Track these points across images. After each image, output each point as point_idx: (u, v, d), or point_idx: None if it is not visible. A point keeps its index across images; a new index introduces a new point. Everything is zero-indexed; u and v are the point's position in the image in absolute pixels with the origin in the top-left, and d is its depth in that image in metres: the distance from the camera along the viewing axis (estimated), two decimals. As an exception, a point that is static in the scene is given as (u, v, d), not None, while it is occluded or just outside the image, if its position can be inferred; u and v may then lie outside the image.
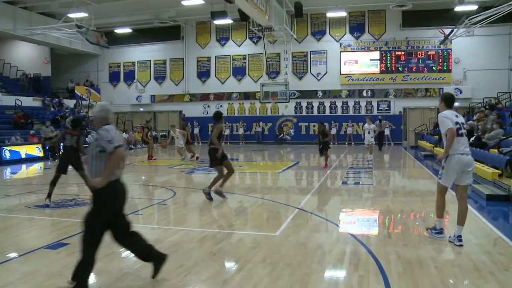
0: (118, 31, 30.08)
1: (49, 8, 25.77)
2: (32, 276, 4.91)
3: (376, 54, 27.77)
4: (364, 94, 28.21)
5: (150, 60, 32.40)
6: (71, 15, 24.31)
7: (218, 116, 9.19)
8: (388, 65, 27.60)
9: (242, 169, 15.39)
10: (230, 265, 5.38)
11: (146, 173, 15.25)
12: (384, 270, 5.00)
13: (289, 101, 27.54)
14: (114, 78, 33.32)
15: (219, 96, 30.76)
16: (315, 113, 29.22)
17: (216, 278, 4.86)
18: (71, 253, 5.69)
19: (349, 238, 6.35)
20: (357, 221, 7.76)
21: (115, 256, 5.61)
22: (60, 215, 8.07)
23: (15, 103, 24.64)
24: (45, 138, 14.83)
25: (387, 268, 5.07)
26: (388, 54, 27.57)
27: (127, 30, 30.00)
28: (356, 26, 28.17)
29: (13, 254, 5.75)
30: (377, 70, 27.76)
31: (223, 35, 30.59)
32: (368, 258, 5.45)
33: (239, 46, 30.41)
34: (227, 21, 26.15)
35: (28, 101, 26.12)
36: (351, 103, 28.64)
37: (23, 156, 19.50)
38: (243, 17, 22.17)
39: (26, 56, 31.89)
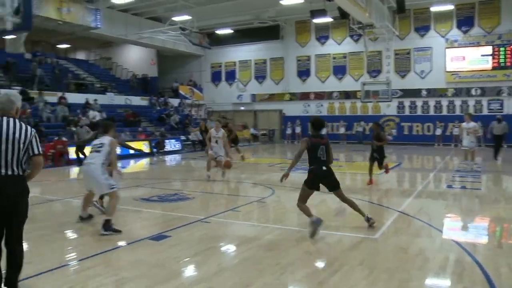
0: (220, 32, 31.04)
1: (156, 13, 27.31)
2: (137, 265, 5.23)
3: (487, 49, 25.89)
4: (473, 92, 26.48)
5: (250, 60, 33.04)
6: (176, 19, 25.69)
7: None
8: (502, 61, 25.62)
9: (342, 169, 15.16)
10: (326, 266, 5.34)
11: (245, 171, 15.58)
12: (494, 283, 4.64)
13: (391, 100, 26.59)
14: (216, 77, 34.45)
15: (319, 95, 30.58)
16: (419, 112, 27.99)
17: (312, 278, 4.85)
18: (173, 245, 6.00)
19: (454, 246, 6.01)
20: (463, 228, 7.32)
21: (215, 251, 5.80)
22: (163, 209, 8.52)
23: (125, 102, 26.58)
24: (80, 140, 15.65)
25: (497, 281, 4.70)
26: (503, 49, 25.60)
27: (228, 31, 30.85)
28: (464, 19, 26.49)
29: (121, 243, 6.18)
30: (489, 66, 25.87)
31: (323, 34, 30.34)
32: (474, 268, 5.11)
33: (339, 44, 29.99)
34: (327, 19, 25.85)
35: (137, 100, 27.94)
36: (458, 102, 27.02)
37: (131, 151, 20.83)
38: (343, 14, 21.81)
39: (135, 59, 34.13)
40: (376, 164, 11.80)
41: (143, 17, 27.97)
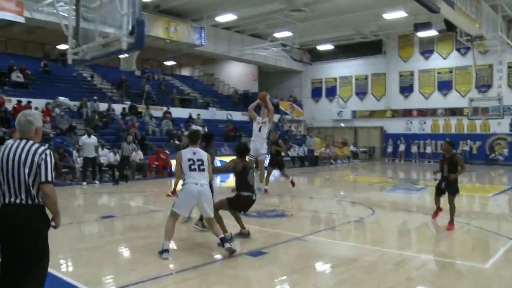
0: (320, 47, 31.03)
1: (257, 30, 27.97)
2: (233, 280, 5.30)
3: None
4: None
5: (351, 76, 32.60)
6: (277, 35, 26.14)
7: None
8: None
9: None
10: (430, 294, 5.03)
11: (345, 189, 15.32)
12: None
13: (502, 118, 24.73)
14: (316, 93, 34.39)
15: (422, 112, 29.35)
16: (536, 131, 25.83)
17: (415, 306, 4.58)
18: (269, 262, 6.00)
19: None
20: None
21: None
22: (261, 225, 8.57)
23: (227, 117, 27.42)
24: (123, 156, 15.88)
25: None
26: None
27: (329, 46, 30.74)
28: None
29: (219, 257, 6.28)
30: None
31: (427, 48, 29.18)
32: None
33: (444, 59, 28.63)
34: (432, 32, 24.83)
35: (238, 116, 28.66)
36: None
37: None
38: (450, 27, 20.80)
39: (237, 75, 35.14)
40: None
41: (245, 34, 28.79)
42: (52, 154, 3.55)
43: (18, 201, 3.42)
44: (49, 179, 3.44)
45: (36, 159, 3.43)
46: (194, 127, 23.10)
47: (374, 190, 14.49)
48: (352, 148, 30.51)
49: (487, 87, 26.97)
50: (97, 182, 15.57)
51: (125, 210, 10.66)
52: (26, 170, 3.41)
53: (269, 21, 25.37)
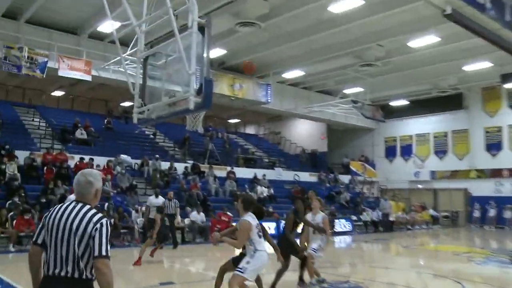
0: (394, 103, 30.59)
1: (326, 86, 28.11)
2: None
3: None
4: None
5: (429, 133, 31.69)
6: (347, 91, 26.10)
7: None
8: None
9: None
10: None
11: (425, 259, 14.48)
12: None
13: None
14: (390, 152, 33.59)
15: (514, 172, 27.80)
16: None
17: None
18: None
19: None
20: None
21: None
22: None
23: (294, 178, 27.24)
24: (166, 214, 15.35)
25: None
26: None
27: (403, 102, 30.26)
28: None
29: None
30: None
31: (516, 100, 28.01)
32: None
33: (539, 112, 27.32)
34: (522, 83, 23.92)
35: (305, 176, 28.43)
36: None
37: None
38: (543, 77, 20.02)
39: (304, 133, 35.24)
40: None
41: (312, 91, 28.98)
42: (109, 223, 3.26)
43: (63, 273, 3.12)
44: (104, 253, 3.10)
45: (89, 229, 3.12)
46: (259, 188, 23.13)
47: (461, 262, 13.52)
48: (432, 212, 29.14)
49: None
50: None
51: (185, 276, 10.53)
52: (77, 240, 3.12)
53: (338, 77, 25.42)
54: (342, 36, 19.62)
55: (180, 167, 22.76)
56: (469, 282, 9.78)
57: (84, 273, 3.13)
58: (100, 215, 3.23)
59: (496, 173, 28.25)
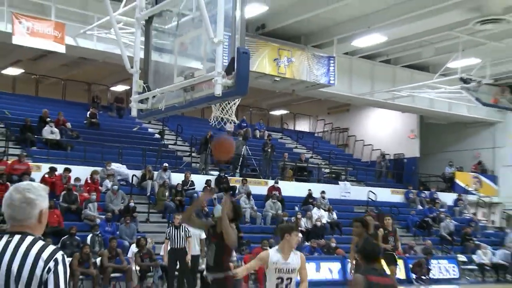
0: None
1: (420, 58, 27.58)
2: None
3: None
4: None
5: None
6: (452, 65, 25.23)
7: None
8: None
9: None
10: None
11: None
12: None
13: None
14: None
15: None
16: None
17: None
18: None
19: None
20: None
21: None
22: None
23: (368, 196, 26.80)
24: (172, 249, 15.13)
25: None
26: None
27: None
28: None
29: None
30: None
31: None
32: None
33: None
34: None
35: (385, 194, 28.11)
36: None
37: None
38: None
39: (384, 130, 34.87)
40: None
41: (398, 66, 28.62)
42: (65, 258, 3.08)
43: None
44: None
45: (38, 271, 2.94)
46: (315, 211, 23.06)
47: None
48: None
49: None
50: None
51: None
52: None
53: (441, 43, 25.02)
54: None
55: (199, 180, 22.78)
56: None
57: None
58: (51, 247, 3.06)
59: None
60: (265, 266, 6.70)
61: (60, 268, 2.96)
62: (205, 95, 7.47)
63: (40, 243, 3.02)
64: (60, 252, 3.03)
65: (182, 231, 15.03)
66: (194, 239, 15.49)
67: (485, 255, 24.44)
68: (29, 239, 3.02)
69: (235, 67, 6.69)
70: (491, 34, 22.90)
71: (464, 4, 20.34)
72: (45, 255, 2.95)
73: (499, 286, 22.51)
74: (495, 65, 25.59)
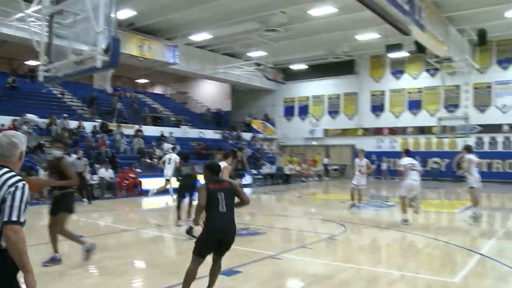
0: (294, 67, 31.36)
1: (232, 49, 28.13)
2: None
3: None
4: None
5: (324, 95, 33.02)
6: (251, 54, 26.29)
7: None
8: None
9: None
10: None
11: (316, 207, 15.37)
12: None
13: (469, 136, 25.39)
14: (288, 112, 34.66)
15: (393, 131, 29.89)
16: (499, 149, 26.56)
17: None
18: (243, 281, 5.92)
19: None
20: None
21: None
22: (234, 243, 8.48)
23: (199, 136, 27.28)
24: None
25: None
26: None
27: (302, 66, 31.10)
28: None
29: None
30: None
31: (398, 68, 29.82)
32: None
33: (414, 79, 29.33)
34: (403, 53, 25.54)
35: (210, 134, 28.60)
36: (543, 137, 25.40)
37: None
38: (420, 49, 21.40)
39: (210, 93, 35.23)
40: None
41: (219, 53, 28.87)
42: (26, 187, 2.83)
43: None
44: (14, 218, 2.69)
45: (2, 192, 2.74)
46: (165, 145, 22.95)
47: (345, 208, 14.56)
48: (324, 161, 30.71)
49: (454, 107, 27.70)
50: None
51: (94, 230, 10.40)
52: None
53: (244, 41, 25.53)
54: (248, 1, 19.72)
55: (88, 126, 21.93)
56: (350, 223, 10.69)
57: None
58: (16, 178, 2.83)
59: (378, 131, 30.37)
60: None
61: (18, 193, 2.74)
62: (90, 67, 7.43)
63: (11, 174, 2.84)
64: (23, 182, 2.81)
65: (82, 161, 15.02)
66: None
67: (266, 169, 25.67)
68: (5, 169, 2.85)
69: (110, 48, 6.69)
70: (272, 38, 23.82)
71: (258, 18, 21.30)
72: (10, 182, 2.77)
73: (273, 186, 23.58)
74: (274, 56, 26.52)
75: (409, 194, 11.08)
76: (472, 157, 11.48)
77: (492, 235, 9.59)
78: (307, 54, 28.64)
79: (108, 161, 18.59)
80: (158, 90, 38.61)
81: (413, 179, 11.07)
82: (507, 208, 15.85)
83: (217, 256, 5.02)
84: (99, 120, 22.96)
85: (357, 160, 14.02)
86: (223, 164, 8.84)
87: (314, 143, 33.05)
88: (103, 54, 6.83)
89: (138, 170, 19.01)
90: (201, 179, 10.85)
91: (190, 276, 4.79)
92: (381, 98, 30.58)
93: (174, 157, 14.31)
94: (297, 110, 34.32)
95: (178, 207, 10.49)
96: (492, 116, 26.64)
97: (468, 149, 11.93)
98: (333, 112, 32.61)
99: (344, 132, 31.84)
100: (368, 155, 29.02)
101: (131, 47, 22.18)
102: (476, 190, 11.36)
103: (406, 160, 11.30)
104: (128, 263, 6.99)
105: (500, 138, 26.64)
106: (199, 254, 4.85)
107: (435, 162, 28.05)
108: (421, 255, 7.88)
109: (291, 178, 26.56)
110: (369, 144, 30.14)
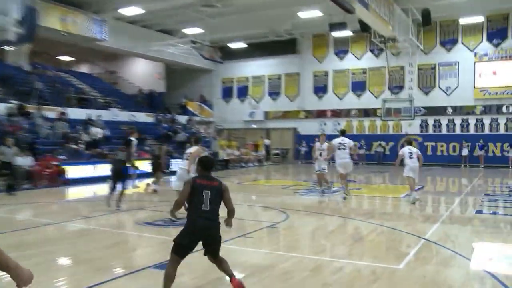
0: (232, 45, 31.20)
1: (166, 25, 27.61)
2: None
3: (521, 63, 25.69)
4: (504, 110, 26.17)
5: (264, 75, 33.10)
6: (186, 31, 25.84)
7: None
8: (538, 75, 25.38)
9: (359, 192, 14.97)
10: (347, 299, 5.12)
11: (256, 194, 15.42)
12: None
13: (413, 119, 26.38)
14: (227, 93, 34.53)
15: (336, 113, 30.49)
16: (444, 131, 27.77)
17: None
18: (179, 274, 5.80)
19: (487, 278, 5.77)
20: (496, 257, 7.08)
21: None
22: (168, 234, 8.34)
23: (130, 119, 26.55)
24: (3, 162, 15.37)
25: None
26: (539, 62, 25.37)
27: (241, 44, 30.99)
28: (496, 31, 26.23)
29: (121, 271, 6.01)
30: (523, 81, 25.64)
31: (341, 48, 30.35)
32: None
33: (359, 59, 29.97)
34: (347, 33, 26.02)
35: (142, 117, 27.99)
36: (487, 120, 26.73)
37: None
38: (364, 28, 21.87)
39: (142, 72, 34.41)
40: None
41: (152, 29, 28.22)
42: None
43: None
44: None
45: None
46: (93, 129, 22.22)
47: (288, 194, 14.73)
48: (266, 142, 30.92)
49: (399, 88, 28.59)
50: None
51: (11, 225, 9.88)
52: None
53: (179, 17, 25.06)
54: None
55: (2, 108, 20.77)
56: (292, 210, 10.82)
57: None
58: None
59: (321, 114, 30.90)
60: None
61: None
62: (1, 40, 6.90)
63: None
64: None
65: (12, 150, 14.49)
66: None
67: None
68: None
69: (25, 19, 6.26)
70: (209, 14, 23.57)
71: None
72: None
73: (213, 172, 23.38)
74: (212, 33, 26.26)
75: (345, 170, 12.48)
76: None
77: (436, 220, 9.97)
78: (247, 31, 28.58)
79: (26, 148, 17.73)
80: (84, 69, 37.19)
81: (343, 157, 12.37)
82: (451, 192, 16.59)
83: (211, 255, 5.02)
84: (15, 102, 21.80)
85: (317, 144, 14.05)
86: (194, 148, 10.08)
87: (254, 126, 33.12)
88: (16, 26, 6.39)
89: (62, 157, 18.27)
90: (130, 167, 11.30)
91: (170, 276, 4.72)
92: (324, 79, 31.03)
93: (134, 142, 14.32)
94: (236, 91, 34.24)
95: (110, 193, 11.02)
96: (436, 99, 27.75)
97: (408, 142, 12.72)
98: (274, 94, 32.80)
99: (286, 115, 32.13)
100: (311, 138, 29.99)
101: (52, 20, 21.19)
102: (410, 178, 12.02)
103: (336, 140, 12.56)
104: (51, 260, 6.69)
105: (444, 121, 27.79)
106: (177, 253, 4.80)
107: (380, 145, 28.94)
108: (366, 242, 8.07)
109: (230, 163, 26.54)
110: (311, 127, 30.69)
